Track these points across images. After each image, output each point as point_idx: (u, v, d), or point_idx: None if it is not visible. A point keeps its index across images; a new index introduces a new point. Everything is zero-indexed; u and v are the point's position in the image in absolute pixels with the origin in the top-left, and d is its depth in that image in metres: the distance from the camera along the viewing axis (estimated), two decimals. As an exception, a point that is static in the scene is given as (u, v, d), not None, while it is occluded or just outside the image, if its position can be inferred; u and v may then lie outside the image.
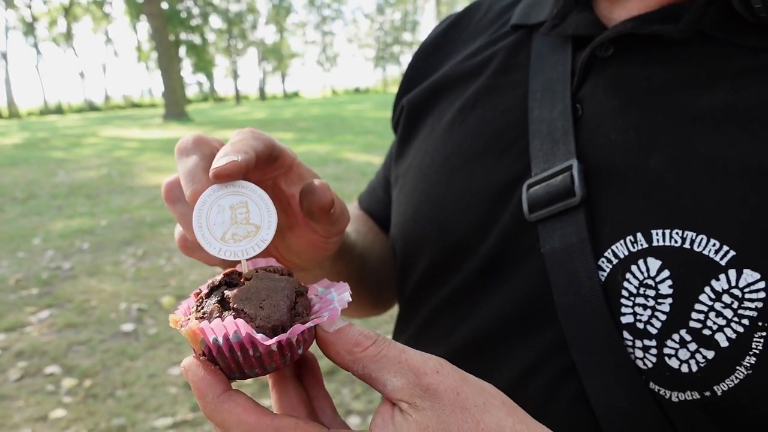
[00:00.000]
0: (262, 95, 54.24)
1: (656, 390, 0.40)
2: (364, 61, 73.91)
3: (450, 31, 0.66)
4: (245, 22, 54.54)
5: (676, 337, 0.39)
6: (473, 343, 0.50)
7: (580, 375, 0.43)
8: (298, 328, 0.32)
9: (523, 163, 0.49)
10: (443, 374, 0.31)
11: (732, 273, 0.37)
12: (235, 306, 0.33)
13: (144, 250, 4.70)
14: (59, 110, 41.53)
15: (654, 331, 0.39)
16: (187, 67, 51.64)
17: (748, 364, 0.36)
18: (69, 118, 30.67)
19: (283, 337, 0.32)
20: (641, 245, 0.40)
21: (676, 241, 0.39)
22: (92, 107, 44.64)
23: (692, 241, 0.38)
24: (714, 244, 0.37)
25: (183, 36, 48.66)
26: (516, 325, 0.47)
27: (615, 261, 0.41)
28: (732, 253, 0.37)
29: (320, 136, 12.74)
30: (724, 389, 0.37)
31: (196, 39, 50.13)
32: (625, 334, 0.40)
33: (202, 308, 0.35)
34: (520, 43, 0.55)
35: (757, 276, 0.36)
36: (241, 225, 0.36)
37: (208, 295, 0.35)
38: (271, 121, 18.74)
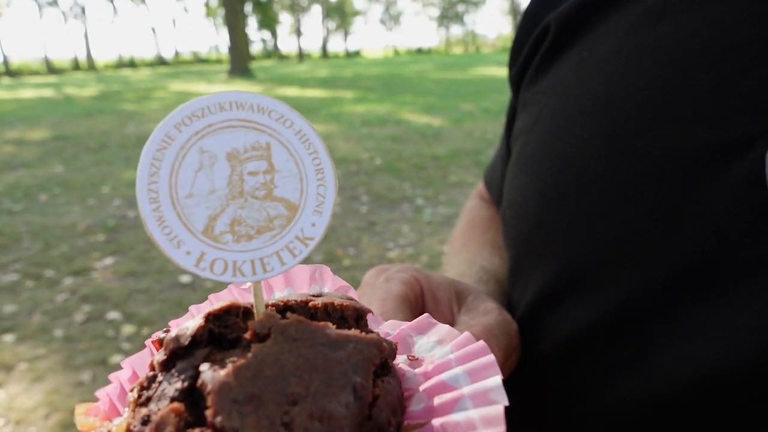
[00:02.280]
0: (325, 53, 54.18)
1: None
2: (427, 21, 71.91)
3: None
4: (310, -22, 54.12)
5: None
6: (659, 408, 0.31)
7: None
8: None
9: (760, 113, 0.28)
10: None
11: None
12: (218, 420, 0.14)
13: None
14: (132, 64, 43.19)
15: None
16: (252, 24, 52.15)
17: None
18: (141, 71, 31.83)
19: None
20: None
21: None
22: (162, 62, 46.14)
23: None
24: None
25: (249, -8, 49.01)
26: (754, 389, 0.28)
27: None
28: None
29: (380, 96, 12.52)
30: None
31: (262, -5, 50.39)
32: None
33: (147, 401, 0.16)
34: None
35: None
36: (253, 200, 0.17)
37: (165, 367, 0.16)
38: (332, 79, 18.63)
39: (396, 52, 67.66)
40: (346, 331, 0.16)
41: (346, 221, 4.21)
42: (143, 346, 0.24)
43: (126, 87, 17.53)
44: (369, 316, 0.19)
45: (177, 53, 52.02)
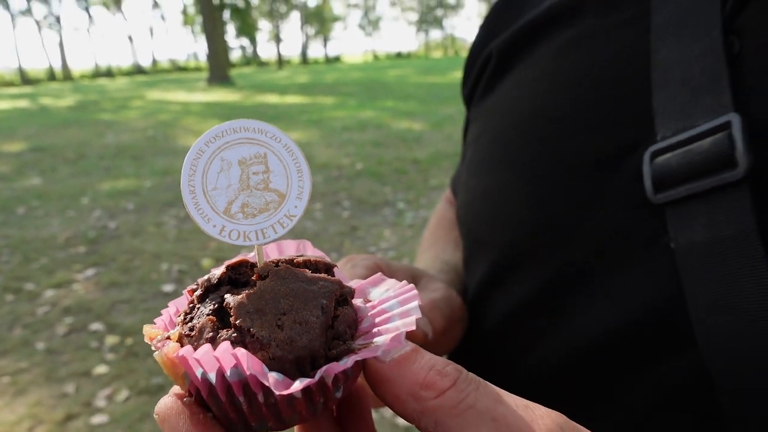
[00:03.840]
0: (304, 59, 54.11)
1: None
2: (407, 26, 72.28)
3: None
4: (288, -15, 54.07)
5: None
6: (566, 367, 0.38)
7: (727, 423, 0.31)
8: (334, 367, 0.21)
9: (644, 124, 0.36)
10: None
11: None
12: (237, 322, 0.22)
13: (186, 212, 4.76)
14: (109, 73, 42.66)
15: None
16: (231, 31, 51.88)
17: None
18: (118, 81, 31.47)
19: (311, 382, 0.20)
20: None
21: None
22: (140, 70, 45.65)
23: None
24: None
25: (227, 0, 48.74)
26: (632, 347, 0.35)
27: None
28: None
29: (361, 101, 12.58)
30: None
31: (240, 2, 50.13)
32: None
33: (191, 320, 0.23)
34: None
35: None
36: (256, 191, 0.25)
37: (201, 299, 0.24)
38: (312, 85, 18.64)
39: (376, 57, 67.87)
40: (317, 274, 0.25)
41: (328, 226, 4.25)
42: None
43: (103, 96, 17.33)
44: (339, 275, 0.26)
45: (155, 61, 51.49)
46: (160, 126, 9.90)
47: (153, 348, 0.23)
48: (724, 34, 0.34)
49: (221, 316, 0.23)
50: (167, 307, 0.26)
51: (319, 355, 0.22)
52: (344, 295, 0.24)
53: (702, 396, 0.32)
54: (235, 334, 0.22)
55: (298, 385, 0.20)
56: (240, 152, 0.24)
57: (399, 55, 68.43)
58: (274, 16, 54.00)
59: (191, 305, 0.24)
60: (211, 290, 0.24)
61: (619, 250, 0.36)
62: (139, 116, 11.48)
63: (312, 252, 0.28)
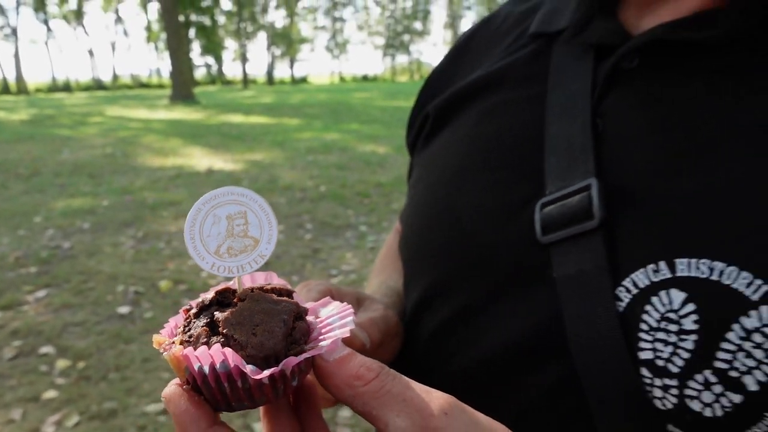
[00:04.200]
0: (270, 80, 54.04)
1: None
2: (373, 49, 73.38)
3: (470, 42, 0.63)
4: (256, 5, 54.19)
5: (699, 377, 0.35)
6: (475, 373, 0.46)
7: (593, 415, 0.39)
8: (291, 360, 0.29)
9: (538, 181, 0.45)
10: (452, 416, 0.28)
11: (764, 310, 0.33)
12: (224, 331, 0.30)
13: (144, 233, 4.68)
14: (67, 87, 41.51)
15: (675, 370, 0.36)
16: (196, 48, 51.47)
17: None
18: (76, 95, 30.67)
19: (275, 370, 0.29)
20: (664, 275, 0.36)
21: (703, 272, 0.35)
22: (100, 86, 44.62)
23: (721, 273, 0.35)
24: (745, 278, 0.34)
25: (193, 17, 48.44)
26: (524, 355, 0.43)
27: (635, 291, 0.37)
28: (765, 287, 0.33)
29: (326, 124, 12.68)
30: None
31: (206, 20, 49.90)
32: (644, 372, 0.37)
33: (189, 330, 0.31)
34: (539, 52, 0.52)
35: None
36: (237, 238, 0.33)
37: (196, 315, 0.32)
38: (278, 106, 18.66)
39: (342, 79, 68.45)
40: (281, 297, 0.33)
41: (290, 249, 4.26)
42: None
43: (60, 111, 16.86)
44: (297, 298, 0.35)
45: (116, 77, 50.43)
46: (119, 143, 9.71)
47: (161, 350, 0.31)
48: (593, 116, 0.43)
49: (212, 327, 0.31)
50: (164, 327, 0.34)
51: (281, 355, 0.30)
52: (300, 313, 0.33)
53: (576, 397, 0.40)
54: (222, 339, 0.30)
55: (266, 373, 0.28)
56: (227, 210, 0.33)
57: (365, 78, 69.23)
58: (241, 36, 53.94)
59: (188, 320, 0.32)
60: (204, 309, 0.33)
61: (518, 279, 0.44)
62: (98, 133, 11.23)
63: (277, 281, 0.36)
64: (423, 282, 0.52)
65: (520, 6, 0.60)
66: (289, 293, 0.34)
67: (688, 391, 0.35)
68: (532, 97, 0.49)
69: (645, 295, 0.37)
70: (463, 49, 0.63)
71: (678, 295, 0.36)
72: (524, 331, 0.43)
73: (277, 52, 60.45)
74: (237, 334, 0.29)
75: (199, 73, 56.25)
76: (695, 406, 0.35)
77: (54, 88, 40.41)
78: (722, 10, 0.40)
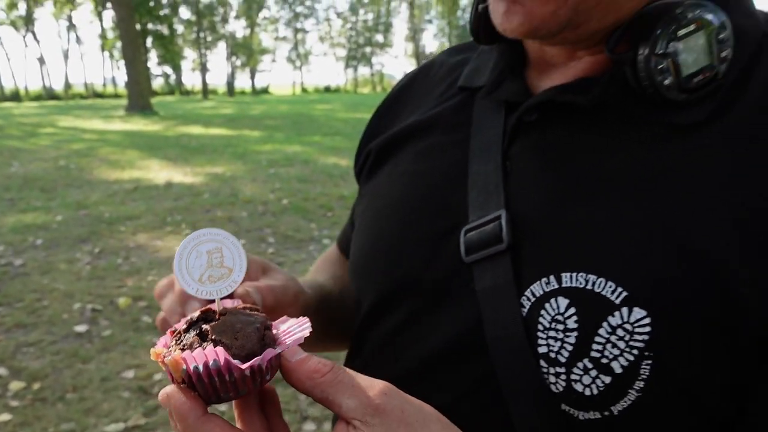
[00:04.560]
0: (231, 90, 53.38)
1: (567, 410, 0.46)
2: (336, 61, 73.62)
3: (409, 86, 0.72)
4: (215, 15, 53.58)
5: (580, 365, 0.44)
6: (415, 371, 0.55)
7: (507, 401, 0.48)
8: (269, 352, 0.37)
9: (463, 211, 0.54)
10: (390, 395, 0.37)
11: (624, 310, 0.43)
12: (213, 337, 0.38)
13: (101, 248, 4.59)
14: (16, 97, 39.88)
15: (563, 360, 0.45)
16: (153, 58, 50.43)
17: (638, 388, 0.43)
18: (26, 105, 29.51)
19: (256, 361, 0.37)
20: (553, 286, 0.46)
21: (581, 283, 0.44)
22: (52, 95, 43.05)
23: (593, 283, 0.44)
24: (610, 286, 0.43)
25: (150, 26, 47.50)
26: (453, 355, 0.52)
27: (533, 299, 0.47)
28: (625, 293, 0.43)
29: (288, 136, 12.67)
30: (620, 409, 0.44)
31: (164, 29, 49.01)
32: (542, 363, 0.46)
33: (182, 341, 0.39)
34: (464, 104, 0.61)
35: (644, 313, 0.42)
36: (216, 268, 0.41)
37: (186, 330, 0.40)
38: (238, 117, 18.50)
39: (304, 90, 68.30)
40: (253, 312, 0.41)
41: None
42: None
43: (8, 122, 16.22)
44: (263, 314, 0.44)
45: (69, 86, 48.74)
46: (73, 155, 9.43)
47: (160, 359, 0.38)
48: (503, 159, 0.53)
49: (201, 336, 0.38)
50: (155, 344, 0.41)
51: (257, 354, 0.38)
52: (268, 324, 0.41)
53: (495, 387, 0.48)
54: (212, 344, 0.37)
55: (248, 364, 0.36)
56: (207, 246, 0.41)
57: (327, 89, 69.30)
58: (200, 45, 53.15)
59: (178, 335, 0.40)
60: (192, 324, 0.40)
61: (448, 292, 0.53)
62: (50, 144, 10.87)
63: (244, 304, 0.44)
64: (371, 297, 0.61)
65: (453, 57, 0.69)
66: (258, 310, 0.42)
67: (573, 376, 0.45)
68: (457, 142, 0.58)
69: (540, 302, 0.46)
70: (402, 92, 0.73)
71: (563, 302, 0.45)
72: (454, 335, 0.52)
73: (238, 62, 59.83)
74: (223, 338, 0.37)
75: (157, 83, 55.07)
76: (578, 387, 0.44)
77: (2, 97, 38.74)
78: (597, 79, 0.49)
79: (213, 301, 0.42)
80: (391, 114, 0.71)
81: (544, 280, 0.46)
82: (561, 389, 0.45)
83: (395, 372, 0.56)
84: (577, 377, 0.44)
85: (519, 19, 0.46)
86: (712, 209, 0.42)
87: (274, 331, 0.41)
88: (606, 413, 0.44)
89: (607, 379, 0.43)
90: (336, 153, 9.70)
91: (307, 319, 0.41)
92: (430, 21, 69.56)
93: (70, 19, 48.37)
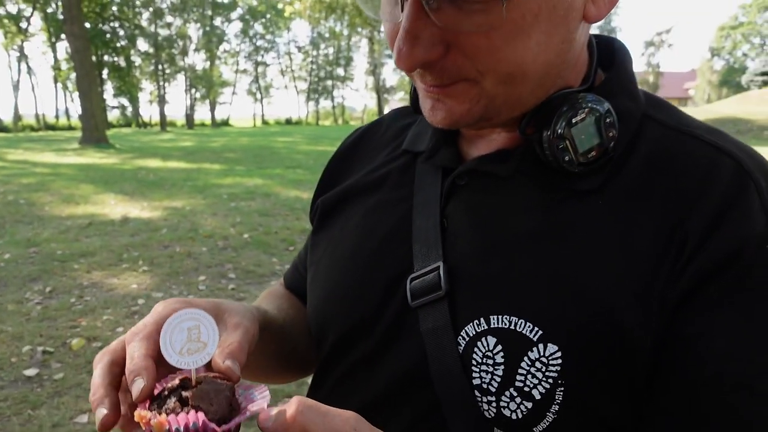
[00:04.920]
0: (190, 122, 52.76)
1: None
2: (297, 93, 74.07)
3: (358, 144, 0.80)
4: (175, 48, 53.31)
5: (507, 393, 0.52)
6: (371, 403, 0.61)
7: (449, 426, 0.55)
8: (242, 416, 0.45)
9: (408, 262, 0.61)
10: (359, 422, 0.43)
11: (541, 346, 0.51)
12: (192, 403, 0.45)
13: (52, 287, 4.44)
14: (-40, 128, 38.19)
15: (493, 390, 0.52)
16: (109, 89, 49.52)
17: (554, 411, 0.50)
18: (-29, 137, 28.30)
19: (231, 425, 0.44)
20: (483, 327, 0.54)
21: (505, 324, 0.52)
22: (0, 127, 41.46)
23: (515, 323, 0.52)
24: (528, 326, 0.51)
25: (106, 57, 46.79)
26: (405, 387, 0.59)
27: (467, 338, 0.54)
28: (540, 331, 0.51)
29: (249, 169, 12.61)
30: (541, 429, 0.51)
31: (121, 61, 48.34)
32: (476, 393, 0.53)
33: (165, 405, 0.46)
34: (408, 164, 0.69)
35: (556, 348, 0.50)
36: (194, 342, 0.48)
37: (168, 396, 0.47)
38: (198, 150, 18.31)
39: (265, 123, 68.21)
40: (223, 381, 0.47)
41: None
42: None
43: (-47, 155, 15.52)
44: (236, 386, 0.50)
45: (19, 117, 47.09)
46: (23, 190, 9.10)
47: (144, 421, 0.44)
48: (441, 216, 0.61)
49: (182, 402, 0.45)
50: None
51: (227, 417, 0.44)
52: (233, 390, 0.48)
53: (439, 415, 0.55)
54: (192, 409, 0.44)
55: (224, 427, 0.43)
56: (187, 324, 0.48)
57: (289, 121, 69.44)
58: (158, 77, 52.59)
59: (158, 401, 0.46)
60: (173, 391, 0.47)
61: (397, 333, 0.60)
62: (-2, 179, 10.46)
63: (212, 373, 0.51)
64: (331, 339, 0.67)
65: (399, 121, 0.78)
66: (225, 379, 0.49)
67: (501, 403, 0.52)
68: (403, 199, 0.66)
69: (473, 341, 0.54)
70: (351, 150, 0.81)
71: (492, 340, 0.53)
72: (405, 370, 0.59)
73: (197, 94, 59.39)
74: (201, 404, 0.44)
75: (113, 115, 53.92)
76: (506, 412, 0.52)
77: (-56, 128, 37.02)
78: (513, 151, 0.59)
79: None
80: (341, 168, 0.79)
81: (476, 321, 0.54)
82: (492, 415, 0.53)
83: (355, 404, 0.61)
84: (505, 404, 0.52)
85: (442, 114, 0.54)
86: (605, 261, 0.52)
87: (239, 391, 0.49)
88: None
89: (529, 405, 0.51)
90: (297, 186, 9.72)
91: (266, 387, 0.48)
92: (389, 56, 71.12)
93: (21, 49, 47.08)
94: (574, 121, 0.53)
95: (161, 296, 4.27)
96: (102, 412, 0.46)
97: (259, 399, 0.47)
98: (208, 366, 0.50)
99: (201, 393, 0.45)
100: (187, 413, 0.42)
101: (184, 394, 0.45)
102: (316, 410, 0.41)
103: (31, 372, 3.07)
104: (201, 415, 0.42)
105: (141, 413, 0.45)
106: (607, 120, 0.53)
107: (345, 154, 0.81)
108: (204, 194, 8.87)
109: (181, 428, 0.42)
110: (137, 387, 0.46)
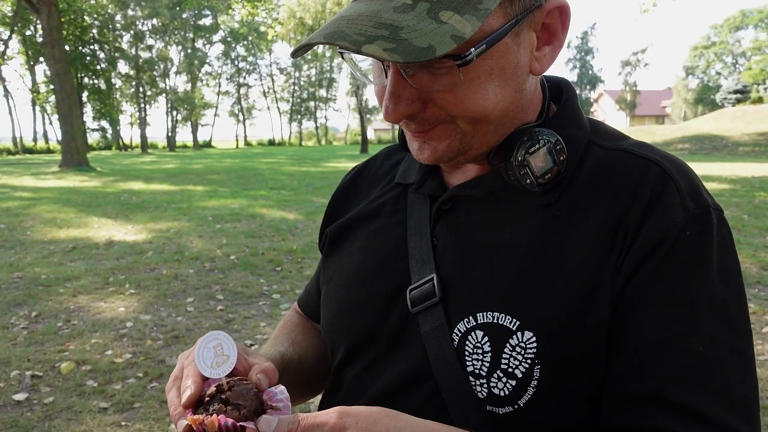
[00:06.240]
0: (171, 144, 52.44)
1: (491, 409, 0.63)
2: (279, 114, 74.25)
3: (356, 179, 0.93)
4: (156, 70, 53.23)
5: (495, 375, 0.62)
6: (382, 397, 0.71)
7: (449, 409, 0.65)
8: (281, 412, 0.55)
9: (406, 276, 0.73)
10: (343, 414, 0.51)
11: (519, 334, 0.62)
12: (233, 402, 0.55)
13: (38, 312, 4.41)
14: (-66, 152, 37.44)
15: (483, 374, 0.63)
16: (89, 111, 49.09)
17: (534, 385, 0.61)
18: (-53, 161, 27.76)
19: (250, 423, 0.54)
20: (472, 323, 0.64)
21: (489, 318, 0.63)
22: (-25, 150, 40.75)
23: (497, 317, 0.63)
24: (509, 318, 0.62)
25: (86, 80, 46.51)
26: (409, 381, 0.69)
27: (460, 334, 0.65)
28: (518, 322, 0.62)
29: (233, 190, 12.62)
30: (524, 402, 0.62)
31: (101, 84, 48.08)
32: (470, 378, 0.64)
33: (211, 407, 0.56)
34: (400, 195, 0.82)
35: (531, 334, 0.61)
36: (219, 356, 0.60)
37: (210, 401, 0.57)
38: (181, 172, 18.24)
39: (248, 144, 68.12)
40: (248, 381, 0.58)
41: (202, 321, 4.23)
42: None
43: (-72, 180, 15.23)
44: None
45: (-5, 140, 46.34)
46: (3, 215, 9.00)
47: (198, 422, 0.53)
48: (431, 236, 0.73)
49: (224, 403, 0.55)
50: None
51: (259, 410, 0.54)
52: (260, 388, 0.58)
53: (440, 402, 0.65)
54: (233, 408, 0.54)
55: (252, 426, 0.53)
56: (212, 344, 0.60)
57: (272, 142, 69.44)
58: (140, 100, 52.38)
59: (202, 406, 0.56)
60: (214, 396, 0.56)
61: (402, 337, 0.71)
62: (-23, 204, 10.31)
63: (236, 376, 0.62)
64: (343, 348, 0.78)
65: (390, 158, 0.91)
66: (245, 379, 0.60)
67: (491, 384, 0.62)
68: (398, 224, 0.78)
69: (465, 335, 0.65)
70: (350, 185, 0.93)
71: (479, 333, 0.64)
72: (408, 367, 0.70)
73: (179, 116, 59.20)
74: (240, 402, 0.55)
75: (93, 138, 53.41)
76: (495, 391, 0.62)
77: None
78: (486, 176, 0.70)
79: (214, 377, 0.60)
80: (344, 201, 0.92)
81: (466, 319, 0.65)
82: (485, 395, 0.63)
83: (366, 400, 0.73)
84: (494, 384, 0.63)
85: (428, 152, 0.67)
86: (566, 261, 0.63)
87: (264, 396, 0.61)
88: (516, 407, 0.62)
89: (513, 383, 0.62)
90: (283, 207, 9.76)
91: (281, 385, 0.59)
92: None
93: (-1, 72, 46.62)
94: (531, 150, 0.65)
95: (149, 318, 4.28)
96: (183, 423, 0.57)
97: (280, 396, 0.58)
98: (231, 374, 0.62)
99: (236, 394, 0.56)
100: (228, 413, 0.53)
101: (223, 396, 0.56)
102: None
103: (20, 396, 3.06)
104: (238, 415, 0.53)
105: (193, 417, 0.55)
106: (557, 147, 0.66)
107: (346, 189, 0.94)
108: (189, 216, 8.86)
109: (229, 423, 0.52)
110: (186, 395, 0.59)
